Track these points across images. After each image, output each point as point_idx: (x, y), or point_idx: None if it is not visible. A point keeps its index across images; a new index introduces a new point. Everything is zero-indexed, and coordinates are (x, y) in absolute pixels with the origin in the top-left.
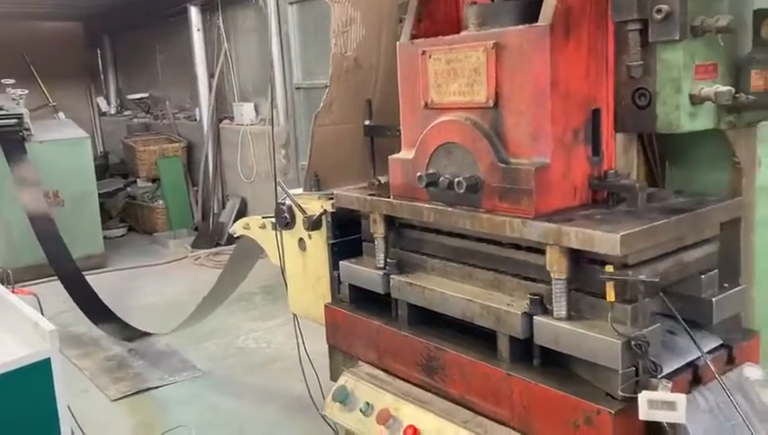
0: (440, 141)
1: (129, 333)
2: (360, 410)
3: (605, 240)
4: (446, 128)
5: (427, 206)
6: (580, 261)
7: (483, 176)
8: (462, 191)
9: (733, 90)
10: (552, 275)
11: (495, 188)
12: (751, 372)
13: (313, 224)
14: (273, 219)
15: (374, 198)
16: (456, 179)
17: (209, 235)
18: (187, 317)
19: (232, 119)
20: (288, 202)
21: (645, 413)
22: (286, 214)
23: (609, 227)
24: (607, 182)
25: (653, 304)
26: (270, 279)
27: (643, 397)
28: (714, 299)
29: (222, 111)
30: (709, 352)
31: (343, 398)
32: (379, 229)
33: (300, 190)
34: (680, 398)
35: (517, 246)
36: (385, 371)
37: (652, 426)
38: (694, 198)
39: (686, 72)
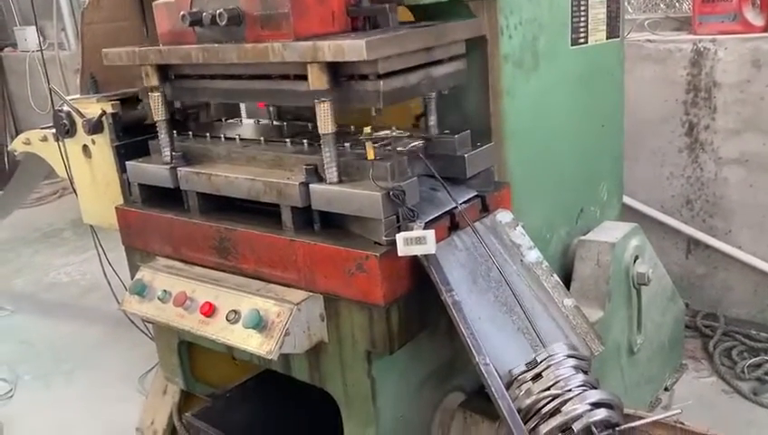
0: None
1: None
2: (158, 298)
3: (353, 47)
4: None
5: (194, 47)
6: (339, 78)
7: (243, 7)
8: (224, 23)
9: None
10: (314, 100)
11: (257, 17)
12: (502, 216)
13: (94, 127)
14: (54, 130)
15: (142, 48)
16: (218, 11)
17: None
18: None
19: (15, 46)
20: (66, 108)
21: (402, 250)
22: (65, 120)
23: (358, 37)
24: (362, 7)
25: (417, 166)
26: (80, 213)
27: (400, 237)
28: (466, 156)
29: (3, 38)
30: (465, 202)
31: (140, 290)
32: (152, 80)
33: (78, 96)
34: (429, 233)
35: (284, 77)
36: (181, 260)
37: (415, 264)
38: None
39: None
